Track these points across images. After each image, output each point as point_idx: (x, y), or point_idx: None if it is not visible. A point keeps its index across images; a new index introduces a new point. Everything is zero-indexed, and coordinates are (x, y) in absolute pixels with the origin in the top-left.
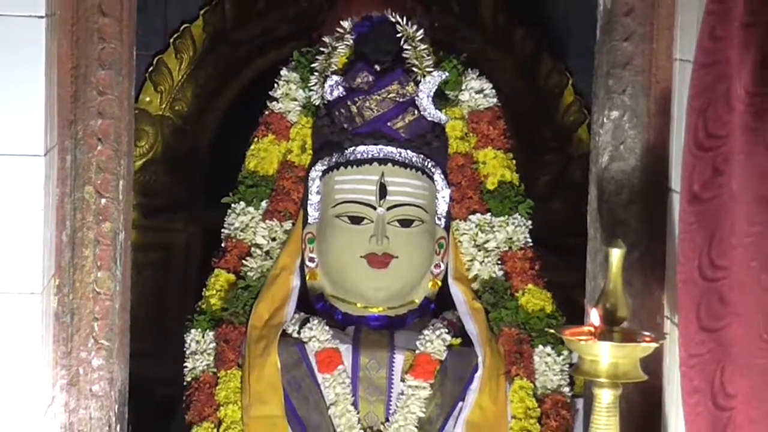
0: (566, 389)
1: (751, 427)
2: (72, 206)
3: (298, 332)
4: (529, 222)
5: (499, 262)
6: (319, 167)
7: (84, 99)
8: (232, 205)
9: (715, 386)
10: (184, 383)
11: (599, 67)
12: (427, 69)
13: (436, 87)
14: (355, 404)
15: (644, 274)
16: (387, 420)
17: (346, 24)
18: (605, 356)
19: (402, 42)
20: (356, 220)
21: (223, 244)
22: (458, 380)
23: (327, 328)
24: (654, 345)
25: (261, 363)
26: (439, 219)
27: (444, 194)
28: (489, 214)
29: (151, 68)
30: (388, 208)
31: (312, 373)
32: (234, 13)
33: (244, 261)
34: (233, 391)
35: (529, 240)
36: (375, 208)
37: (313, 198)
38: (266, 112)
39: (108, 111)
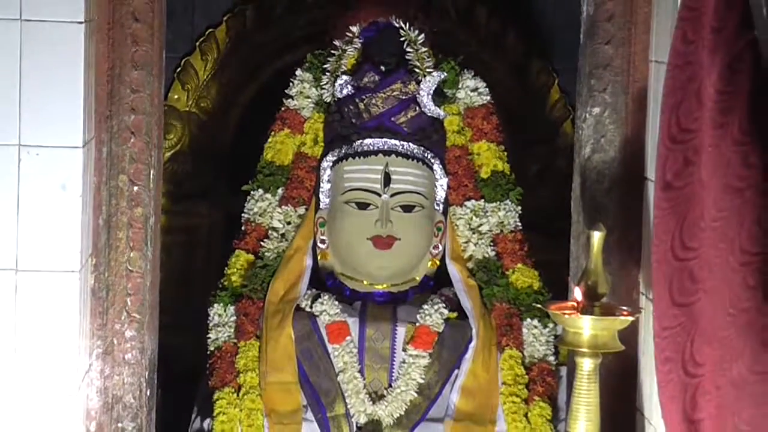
0: (551, 358)
1: (717, 392)
2: (108, 193)
3: (311, 307)
4: (519, 207)
5: (492, 243)
6: (330, 158)
7: (119, 96)
8: (252, 192)
9: (685, 356)
10: (208, 352)
11: (582, 67)
12: (428, 69)
13: (435, 86)
14: (361, 371)
15: (622, 255)
16: (390, 386)
17: (354, 29)
18: (587, 328)
19: (405, 45)
20: (363, 205)
21: (243, 228)
22: (454, 350)
23: (336, 303)
24: (630, 318)
25: (277, 334)
26: (438, 205)
27: (442, 182)
28: (483, 200)
29: (179, 69)
30: (392, 195)
31: (323, 344)
32: (254, 19)
33: (262, 243)
34: (252, 360)
35: (519, 224)
36: (380, 195)
37: (325, 186)
38: (282, 109)
39: (140, 107)
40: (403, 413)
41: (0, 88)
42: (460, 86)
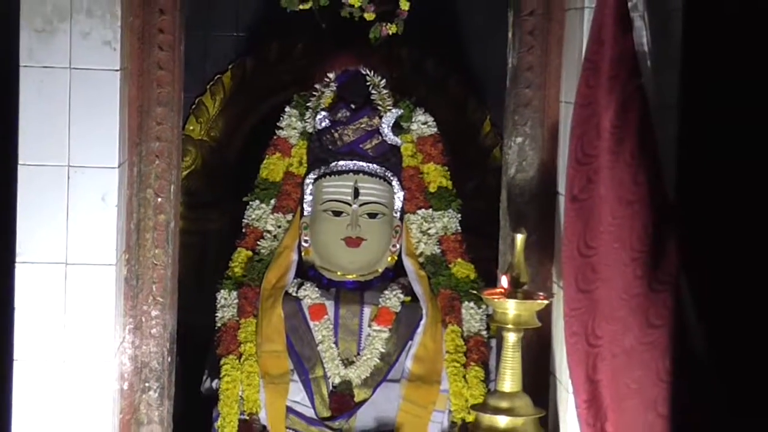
0: (484, 333)
1: (612, 359)
2: (137, 203)
3: (296, 292)
4: (459, 215)
5: (438, 243)
6: (312, 176)
7: (146, 128)
8: (251, 202)
9: (587, 331)
10: (216, 328)
11: (508, 106)
12: (388, 107)
13: (394, 120)
14: (336, 343)
15: (539, 252)
16: (358, 354)
17: (331, 75)
18: (512, 309)
19: (370, 88)
20: (337, 213)
21: (243, 230)
22: (409, 326)
23: (317, 289)
24: (546, 302)
25: (270, 314)
26: (396, 213)
27: (399, 195)
28: (431, 209)
29: (193, 106)
30: (360, 205)
31: (306, 321)
32: (252, 67)
33: (258, 242)
34: (250, 333)
35: (459, 228)
36: (351, 205)
37: (307, 198)
38: (274, 137)
39: (163, 136)
40: (368, 375)
41: (53, 121)
42: (413, 120)
